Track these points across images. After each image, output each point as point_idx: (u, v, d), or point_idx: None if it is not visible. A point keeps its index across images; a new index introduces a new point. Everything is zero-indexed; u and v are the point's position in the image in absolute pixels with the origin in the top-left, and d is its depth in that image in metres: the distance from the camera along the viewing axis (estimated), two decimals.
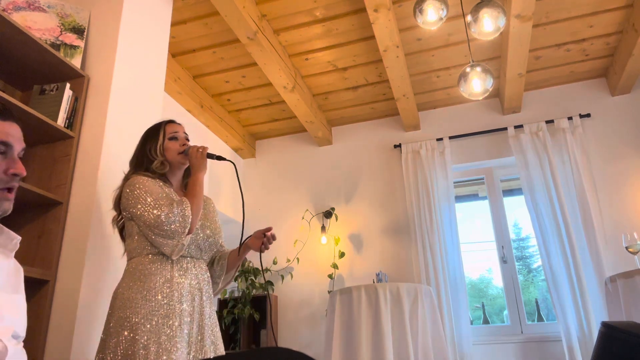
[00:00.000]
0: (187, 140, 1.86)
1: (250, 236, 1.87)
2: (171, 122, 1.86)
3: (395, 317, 2.83)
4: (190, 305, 1.63)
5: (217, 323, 1.74)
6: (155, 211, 1.59)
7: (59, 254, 1.95)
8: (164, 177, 1.78)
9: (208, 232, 1.78)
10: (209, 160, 1.82)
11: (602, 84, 3.99)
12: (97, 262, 1.98)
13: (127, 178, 1.77)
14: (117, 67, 2.27)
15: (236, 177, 1.80)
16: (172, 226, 1.57)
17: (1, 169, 1.08)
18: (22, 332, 1.15)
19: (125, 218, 1.72)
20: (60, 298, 1.89)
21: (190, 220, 1.61)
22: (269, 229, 1.83)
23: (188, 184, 1.75)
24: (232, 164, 1.82)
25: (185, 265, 1.68)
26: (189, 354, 1.57)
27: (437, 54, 3.65)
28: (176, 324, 1.55)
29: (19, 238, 1.19)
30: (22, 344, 1.15)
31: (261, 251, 1.81)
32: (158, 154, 1.77)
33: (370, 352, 2.73)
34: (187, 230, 1.60)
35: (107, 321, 1.59)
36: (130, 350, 1.48)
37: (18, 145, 1.13)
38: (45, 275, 1.87)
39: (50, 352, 1.82)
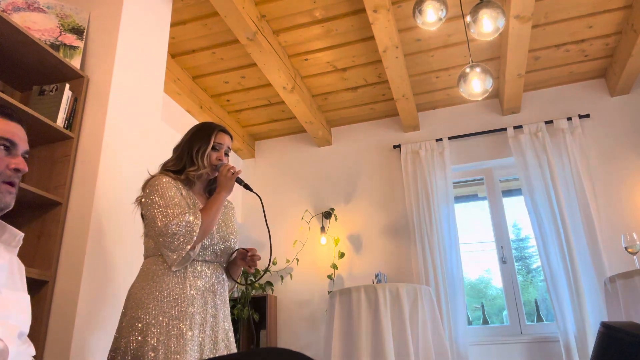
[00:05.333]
0: (227, 155, 1.85)
1: (236, 252, 1.84)
2: (222, 131, 1.84)
3: (395, 317, 2.83)
4: (203, 308, 1.61)
5: (232, 327, 1.72)
6: (164, 220, 1.57)
7: (58, 255, 1.95)
8: (189, 179, 1.77)
9: (225, 236, 1.76)
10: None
11: (602, 84, 4.00)
12: (97, 262, 1.98)
13: (164, 167, 1.79)
14: (117, 68, 2.27)
15: (262, 212, 1.79)
16: (175, 239, 1.55)
17: (4, 164, 1.13)
18: (26, 329, 1.16)
19: (143, 215, 1.72)
20: (59, 298, 1.89)
21: (195, 237, 1.57)
22: (251, 250, 1.78)
23: (209, 200, 1.70)
24: (259, 198, 1.82)
25: (199, 268, 1.66)
26: (201, 357, 1.55)
27: (437, 55, 3.66)
28: (187, 326, 1.54)
29: (22, 234, 1.22)
30: (27, 340, 1.16)
31: (248, 267, 1.78)
32: (205, 163, 1.76)
33: (370, 353, 2.73)
34: (189, 247, 1.56)
35: (120, 320, 1.59)
36: (140, 352, 1.48)
37: (22, 145, 1.18)
38: (44, 276, 1.87)
39: (49, 352, 1.82)
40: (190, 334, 1.54)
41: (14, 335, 1.07)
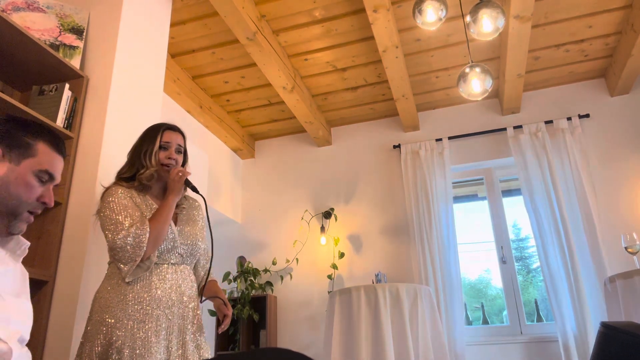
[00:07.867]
0: (180, 153, 1.80)
1: (214, 296, 1.82)
2: (170, 128, 1.80)
3: (394, 317, 2.83)
4: (169, 310, 1.60)
5: (202, 327, 1.70)
6: (114, 234, 1.56)
7: (58, 255, 1.95)
8: (143, 184, 1.74)
9: (189, 237, 1.74)
10: (213, 157, 1.80)
11: (601, 84, 4.00)
12: (96, 262, 1.98)
13: (118, 175, 1.76)
14: (116, 68, 2.27)
15: (205, 210, 1.79)
16: (125, 251, 1.54)
17: (35, 195, 1.16)
18: (27, 335, 1.16)
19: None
20: (59, 298, 1.89)
21: (144, 248, 1.55)
22: (226, 317, 1.75)
23: (158, 207, 1.67)
24: (203, 199, 1.80)
25: (165, 271, 1.64)
26: (167, 359, 1.54)
27: (437, 55, 3.66)
28: (152, 328, 1.53)
29: (28, 244, 1.22)
30: (25, 347, 1.17)
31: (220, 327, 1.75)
32: (153, 163, 1.72)
33: (370, 353, 2.73)
34: (139, 258, 1.55)
35: (86, 324, 1.59)
36: (105, 355, 1.48)
37: (57, 179, 1.24)
38: (44, 276, 1.87)
39: (49, 352, 1.82)
40: (156, 336, 1.53)
41: (15, 340, 1.08)
